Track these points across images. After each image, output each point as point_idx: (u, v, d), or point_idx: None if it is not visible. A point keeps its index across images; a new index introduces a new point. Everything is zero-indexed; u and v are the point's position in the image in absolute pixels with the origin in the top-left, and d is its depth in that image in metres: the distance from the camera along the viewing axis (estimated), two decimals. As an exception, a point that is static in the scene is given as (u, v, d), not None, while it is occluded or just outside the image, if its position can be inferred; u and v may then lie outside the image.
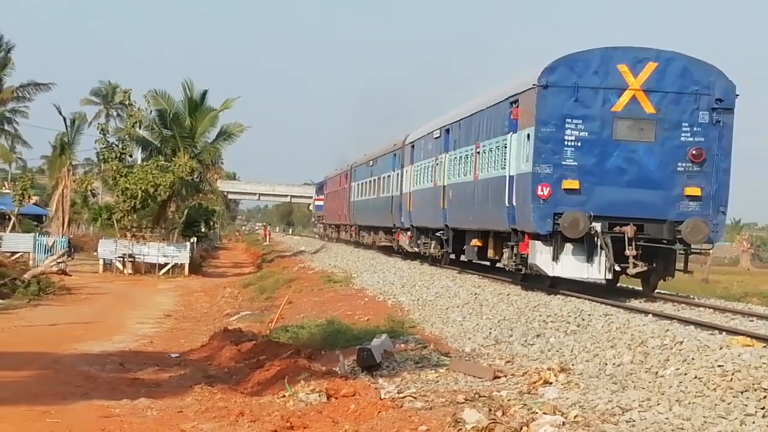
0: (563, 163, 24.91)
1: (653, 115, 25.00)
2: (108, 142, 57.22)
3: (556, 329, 20.17)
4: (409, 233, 44.08)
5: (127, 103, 60.06)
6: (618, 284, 28.81)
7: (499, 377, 16.36)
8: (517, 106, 26.98)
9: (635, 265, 25.01)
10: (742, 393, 13.46)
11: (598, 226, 24.64)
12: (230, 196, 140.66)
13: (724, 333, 18.09)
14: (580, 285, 29.22)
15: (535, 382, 15.43)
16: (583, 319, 20.30)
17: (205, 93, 61.14)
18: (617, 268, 25.31)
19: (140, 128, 59.08)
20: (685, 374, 14.67)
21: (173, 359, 22.67)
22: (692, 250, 26.14)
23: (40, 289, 37.85)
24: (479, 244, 32.23)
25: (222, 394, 16.71)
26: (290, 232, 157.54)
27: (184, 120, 59.88)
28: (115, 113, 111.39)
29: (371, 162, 57.62)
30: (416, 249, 42.80)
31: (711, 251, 35.08)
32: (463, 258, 37.67)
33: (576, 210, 24.56)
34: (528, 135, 25.62)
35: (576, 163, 24.93)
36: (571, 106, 24.90)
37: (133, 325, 30.88)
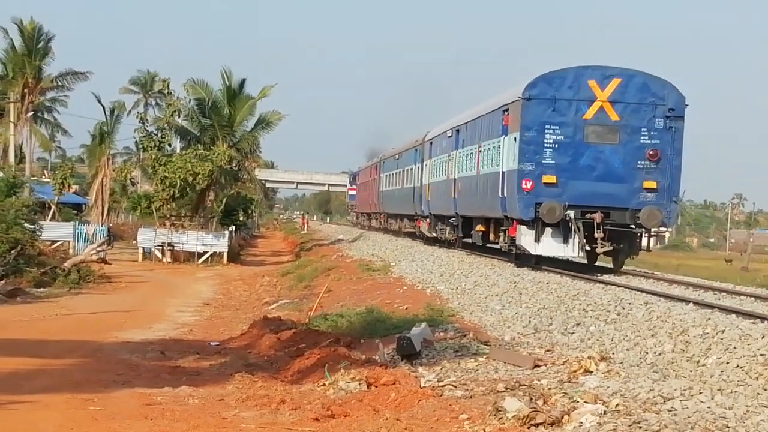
0: (543, 161, 30.40)
1: (617, 122, 30.51)
2: (147, 131, 57.52)
3: (596, 318, 20.14)
4: (428, 220, 49.51)
5: (165, 92, 60.39)
6: (596, 263, 33.70)
7: (539, 366, 16.34)
8: (508, 114, 32.72)
9: (603, 245, 30.52)
10: (784, 382, 13.41)
11: (571, 213, 30.06)
12: (268, 185, 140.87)
13: (766, 322, 18.01)
14: (565, 264, 34.34)
15: (575, 371, 15.39)
16: (623, 308, 20.25)
17: (243, 81, 61.56)
18: (588, 248, 30.65)
19: (179, 117, 59.46)
20: (727, 363, 14.62)
21: (213, 347, 22.78)
22: (652, 234, 31.87)
23: (80, 277, 38.14)
24: (483, 229, 37.56)
25: (262, 382, 16.78)
26: (328, 221, 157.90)
27: (222, 108, 60.20)
28: (153, 102, 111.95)
29: (397, 156, 62.74)
30: (434, 234, 47.90)
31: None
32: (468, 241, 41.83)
33: (553, 200, 30.03)
34: (515, 138, 31.27)
35: (554, 162, 30.38)
36: (550, 114, 30.44)
37: (172, 314, 31.04)
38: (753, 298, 24.65)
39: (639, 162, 30.44)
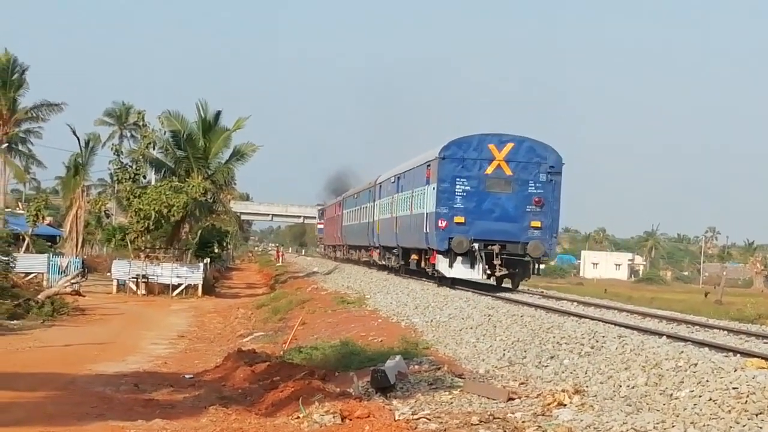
0: (455, 206, 38.48)
1: (511, 176, 38.68)
2: (122, 162, 57.40)
3: (570, 351, 20.18)
4: (378, 251, 57.92)
5: (141, 123, 60.42)
6: (501, 285, 41.36)
7: (513, 399, 16.38)
8: (429, 169, 40.85)
9: (501, 270, 38.76)
10: (757, 415, 13.47)
11: (476, 245, 38.13)
12: (243, 217, 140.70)
13: (738, 355, 18.12)
14: (479, 286, 40.99)
15: (549, 404, 15.43)
16: (597, 341, 20.31)
17: (218, 114, 61.32)
18: (489, 272, 38.97)
19: (154, 149, 59.37)
20: (700, 396, 14.67)
21: (187, 380, 22.70)
22: (537, 262, 39.49)
23: (54, 309, 37.98)
24: (417, 258, 44.94)
25: (237, 415, 16.74)
26: (303, 253, 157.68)
27: (197, 141, 59.98)
28: (129, 134, 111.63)
29: (356, 195, 70.81)
30: (384, 262, 56.06)
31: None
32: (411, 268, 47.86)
33: (462, 236, 38.03)
34: (434, 187, 39.48)
35: (463, 206, 38.44)
36: (459, 170, 38.64)
37: (147, 346, 30.93)
38: (726, 332, 24.78)
39: (527, 207, 38.46)
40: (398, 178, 49.73)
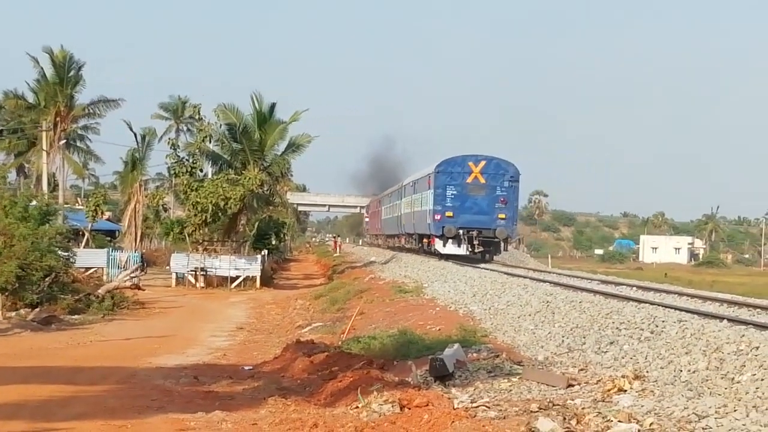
0: (446, 204, 54.25)
1: (484, 183, 54.27)
2: (178, 156, 57.65)
3: (629, 336, 20.03)
4: (404, 237, 74.17)
5: (197, 117, 60.68)
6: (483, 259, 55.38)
7: (572, 385, 16.27)
8: (430, 179, 56.54)
9: (478, 248, 54.53)
10: (820, 398, 13.28)
11: (461, 231, 54.15)
12: (300, 208, 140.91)
13: (801, 337, 17.86)
14: (464, 258, 54.17)
15: (609, 390, 15.31)
16: (657, 326, 20.14)
17: (273, 105, 61.31)
18: (470, 250, 54.37)
19: (210, 142, 59.53)
20: (762, 380, 14.50)
21: (247, 372, 22.77)
22: (504, 242, 55.50)
23: (114, 303, 38.32)
24: (426, 241, 60.17)
25: (296, 405, 16.77)
26: (360, 243, 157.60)
27: (253, 133, 60.06)
28: (185, 128, 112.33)
29: (390, 194, 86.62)
30: (408, 246, 71.66)
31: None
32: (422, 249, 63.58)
33: (452, 225, 54.07)
34: (432, 192, 55.21)
35: (451, 205, 54.18)
36: (449, 180, 54.65)
37: (206, 338, 31.08)
38: (788, 314, 24.45)
39: (496, 204, 54.15)
40: (414, 183, 65.28)
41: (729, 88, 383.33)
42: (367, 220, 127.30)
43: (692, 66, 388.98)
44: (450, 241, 54.37)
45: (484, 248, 54.93)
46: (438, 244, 55.24)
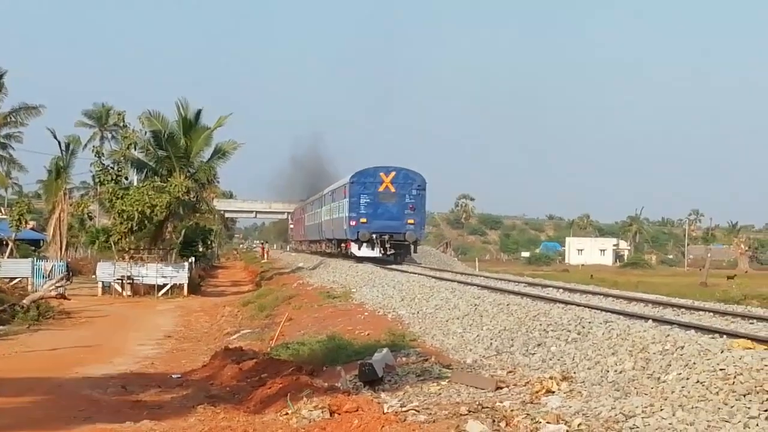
0: (360, 211, 58.37)
1: (395, 192, 58.32)
2: (103, 164, 57.07)
3: (557, 338, 20.18)
4: (325, 242, 78.37)
5: (121, 124, 60.09)
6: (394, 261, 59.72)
7: (501, 388, 16.35)
8: (345, 189, 60.96)
9: (390, 250, 59.34)
10: (744, 396, 13.45)
11: (374, 236, 58.26)
12: (227, 215, 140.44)
13: (724, 336, 18.13)
14: (377, 261, 58.49)
15: (537, 392, 15.41)
16: (584, 327, 20.29)
17: (199, 112, 61.15)
18: (383, 252, 59.09)
19: (135, 150, 59.11)
20: (687, 379, 14.66)
21: (175, 380, 22.63)
22: (413, 245, 59.67)
23: (40, 313, 37.81)
24: (344, 245, 64.32)
25: (225, 413, 16.69)
26: (287, 249, 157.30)
27: (179, 140, 59.81)
28: (109, 135, 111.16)
29: (312, 202, 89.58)
30: (329, 250, 76.19)
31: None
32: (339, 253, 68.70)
33: (366, 230, 58.17)
34: (348, 200, 59.59)
35: (365, 212, 58.29)
36: (363, 189, 58.71)
37: (133, 347, 30.82)
38: (711, 313, 24.81)
39: (405, 211, 58.38)
40: (332, 192, 70.02)
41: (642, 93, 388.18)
42: (292, 226, 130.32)
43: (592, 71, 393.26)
44: (364, 244, 59.05)
45: (395, 251, 60.04)
46: (353, 248, 60.00)
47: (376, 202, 58.62)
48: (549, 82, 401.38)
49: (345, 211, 60.79)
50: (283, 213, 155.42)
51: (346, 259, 63.66)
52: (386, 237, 58.67)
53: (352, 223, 59.03)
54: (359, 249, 59.33)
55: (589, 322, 20.68)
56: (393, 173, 59.26)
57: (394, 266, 54.00)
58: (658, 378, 15.35)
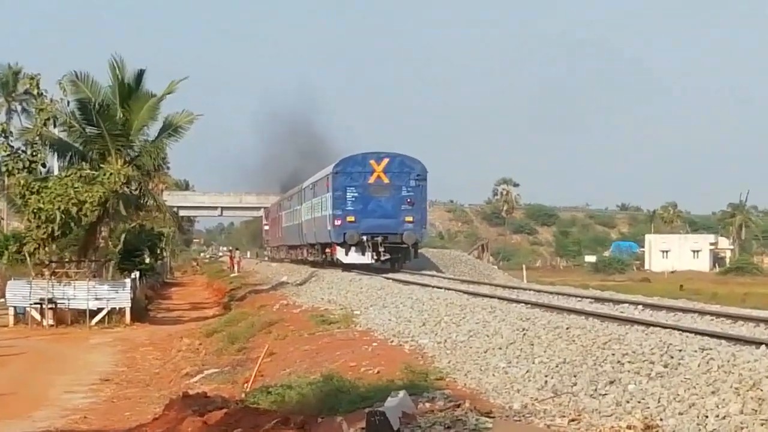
0: (347, 208, 62.95)
1: (388, 183, 63.11)
2: (12, 147, 57.14)
3: (635, 372, 20.18)
4: (306, 248, 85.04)
5: (35, 92, 60.06)
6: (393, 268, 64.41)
7: (561, 442, 16.40)
8: (328, 181, 65.72)
9: (384, 255, 63.47)
10: None
11: (365, 237, 62.51)
12: (182, 213, 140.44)
13: None
14: (369, 268, 63.71)
15: (611, 446, 15.45)
16: (672, 357, 20.30)
17: (141, 74, 60.31)
18: (376, 258, 63.23)
19: (55, 126, 58.93)
20: (816, 426, 14.68)
21: (117, 439, 22.72)
22: (413, 247, 64.08)
23: (-70, 352, 38.00)
24: (329, 251, 69.62)
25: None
26: (264, 257, 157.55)
27: (114, 112, 59.25)
28: (19, 107, 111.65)
29: (290, 197, 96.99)
30: (311, 258, 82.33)
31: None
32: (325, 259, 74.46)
33: (354, 231, 62.46)
34: (331, 195, 64.21)
35: (353, 208, 62.83)
36: (349, 181, 63.38)
37: (59, 396, 30.94)
38: None
39: (402, 206, 62.87)
40: (313, 185, 75.65)
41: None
42: (266, 228, 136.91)
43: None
44: (353, 248, 63.56)
45: (391, 255, 64.47)
46: (339, 253, 64.79)
47: (366, 196, 63.20)
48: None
49: (328, 209, 65.29)
50: (258, 209, 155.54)
51: (334, 267, 68.07)
52: (379, 239, 62.94)
53: (337, 222, 63.41)
54: (347, 254, 63.82)
55: (680, 350, 20.70)
56: (386, 160, 63.80)
57: (411, 280, 54.49)
58: (776, 425, 15.36)
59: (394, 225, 62.42)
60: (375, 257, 63.36)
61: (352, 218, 62.69)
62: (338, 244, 64.00)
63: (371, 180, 63.15)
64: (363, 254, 63.19)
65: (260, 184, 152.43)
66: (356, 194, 63.06)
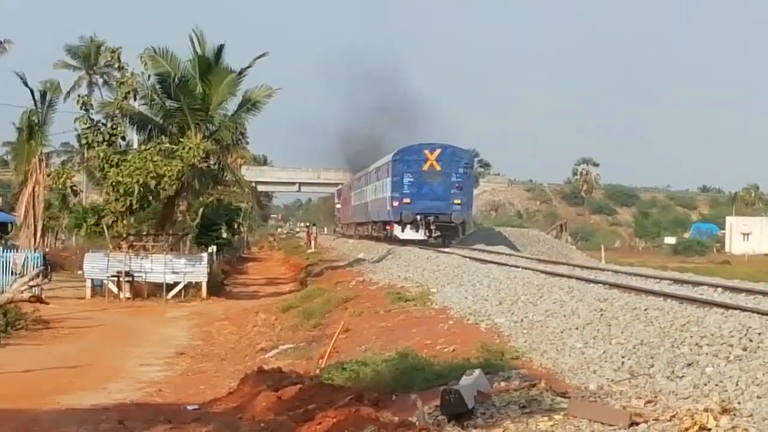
0: (404, 191, 73.00)
1: (440, 171, 72.91)
2: (92, 120, 57.42)
3: (714, 355, 20.04)
4: (371, 225, 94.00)
5: (116, 66, 60.26)
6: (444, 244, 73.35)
7: (637, 423, 16.30)
8: (388, 167, 76.43)
9: (435, 232, 74.47)
10: None
11: (419, 217, 73.08)
12: (261, 188, 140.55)
13: None
14: (419, 243, 71.53)
15: (687, 429, 15.35)
16: (751, 340, 20.15)
17: (221, 48, 60.44)
18: (428, 234, 74.19)
19: (135, 100, 59.18)
20: None
21: (191, 413, 22.78)
22: (461, 226, 76.85)
23: (8, 323, 38.21)
24: (387, 227, 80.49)
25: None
26: (339, 234, 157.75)
27: (194, 86, 59.41)
28: (100, 80, 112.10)
29: (358, 179, 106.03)
30: (375, 234, 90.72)
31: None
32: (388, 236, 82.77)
33: (409, 211, 72.70)
34: (390, 180, 74.75)
35: (409, 192, 72.84)
36: (406, 167, 73.83)
37: (134, 368, 31.08)
38: None
39: (452, 190, 71.95)
40: (377, 170, 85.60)
41: None
42: (338, 206, 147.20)
43: None
44: (408, 226, 73.88)
45: (441, 233, 74.69)
46: (396, 230, 75.58)
47: (420, 181, 72.98)
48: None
49: (388, 191, 75.54)
50: (337, 185, 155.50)
51: (391, 242, 77.76)
52: (431, 218, 73.22)
53: (395, 203, 73.39)
54: (402, 231, 74.53)
55: (759, 334, 20.54)
56: (438, 150, 74.05)
57: (488, 258, 56.57)
58: None
59: (445, 206, 72.16)
60: (427, 234, 73.78)
61: (408, 200, 72.48)
62: (396, 222, 74.74)
63: (425, 167, 72.88)
64: (417, 231, 73.62)
65: (335, 157, 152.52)
66: (412, 179, 72.69)
